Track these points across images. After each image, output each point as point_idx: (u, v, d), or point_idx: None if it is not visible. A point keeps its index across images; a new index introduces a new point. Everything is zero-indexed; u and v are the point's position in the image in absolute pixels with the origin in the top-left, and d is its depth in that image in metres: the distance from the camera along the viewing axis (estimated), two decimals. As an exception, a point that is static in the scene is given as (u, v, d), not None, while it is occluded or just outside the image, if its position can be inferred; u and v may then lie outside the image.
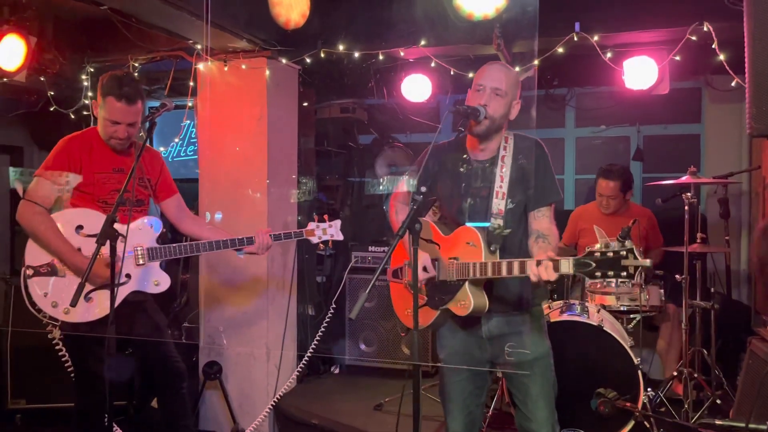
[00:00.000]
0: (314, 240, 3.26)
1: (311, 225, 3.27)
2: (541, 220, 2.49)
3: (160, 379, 3.31)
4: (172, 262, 3.50)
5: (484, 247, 2.39)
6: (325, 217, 3.30)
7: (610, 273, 2.10)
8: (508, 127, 2.59)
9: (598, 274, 2.12)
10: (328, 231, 3.28)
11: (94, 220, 2.99)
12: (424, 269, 2.48)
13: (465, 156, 2.60)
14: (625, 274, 2.09)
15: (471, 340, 2.57)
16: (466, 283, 2.40)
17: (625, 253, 2.08)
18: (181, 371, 3.31)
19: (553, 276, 2.17)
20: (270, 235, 3.19)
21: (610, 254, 2.10)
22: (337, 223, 3.30)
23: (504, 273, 2.30)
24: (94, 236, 2.92)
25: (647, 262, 2.09)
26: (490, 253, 2.40)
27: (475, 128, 2.49)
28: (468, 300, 2.39)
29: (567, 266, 2.16)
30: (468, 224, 2.48)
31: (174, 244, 3.10)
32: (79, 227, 2.99)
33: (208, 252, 3.19)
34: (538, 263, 2.19)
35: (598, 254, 2.12)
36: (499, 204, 2.47)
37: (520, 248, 2.50)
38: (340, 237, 3.30)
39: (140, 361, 3.44)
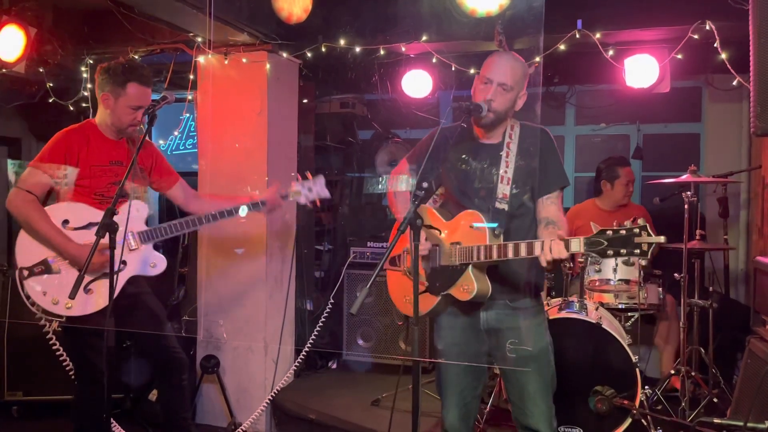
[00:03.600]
0: (302, 200, 3.24)
1: (296, 186, 3.23)
2: (550, 207, 2.49)
3: (162, 370, 3.31)
4: (169, 256, 3.48)
5: (488, 231, 2.37)
6: (308, 174, 3.26)
7: (623, 251, 2.05)
8: (514, 116, 2.59)
9: (610, 252, 2.07)
10: (313, 189, 3.24)
11: (79, 213, 2.98)
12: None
13: (472, 140, 2.59)
14: (638, 251, 2.03)
15: (469, 331, 2.57)
16: (470, 267, 2.38)
17: (638, 230, 2.04)
18: (182, 362, 3.31)
19: (564, 254, 2.14)
20: (259, 202, 3.17)
21: (623, 232, 2.06)
22: (321, 178, 3.25)
23: (510, 255, 2.27)
24: (79, 229, 2.94)
25: (662, 238, 2.03)
26: (495, 237, 2.38)
27: (480, 122, 2.50)
28: (472, 284, 2.37)
29: (578, 245, 2.13)
30: (475, 225, 2.46)
31: (163, 224, 3.09)
32: (65, 222, 2.97)
33: (203, 226, 3.19)
34: (550, 244, 2.16)
35: (610, 232, 2.08)
36: (503, 189, 2.47)
37: (525, 234, 2.49)
38: (326, 193, 3.26)
39: (141, 352, 3.43)
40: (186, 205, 3.34)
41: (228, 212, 3.13)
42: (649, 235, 2.03)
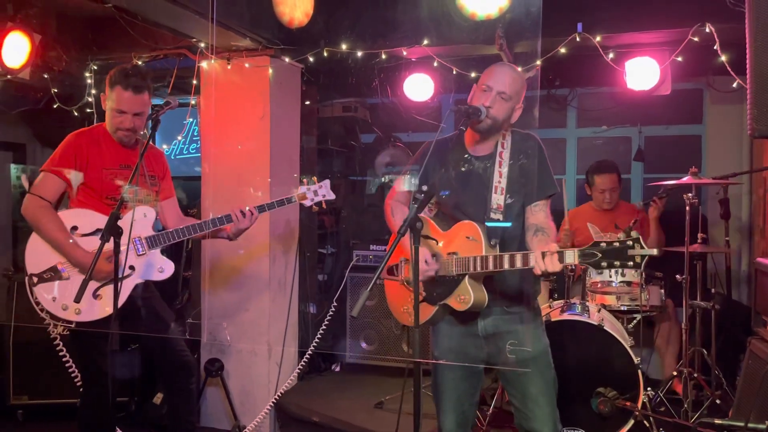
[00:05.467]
0: (307, 203, 3.25)
1: (302, 188, 3.25)
2: (538, 214, 2.50)
3: (170, 373, 3.32)
4: (173, 260, 3.50)
5: (484, 242, 2.39)
6: (314, 179, 3.29)
7: (616, 263, 2.08)
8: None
9: (604, 264, 2.10)
10: (319, 192, 3.26)
11: (88, 219, 3.00)
12: (425, 262, 2.45)
13: (464, 152, 2.61)
14: (631, 264, 2.07)
15: (467, 338, 2.57)
16: (466, 278, 2.40)
17: (631, 243, 2.07)
18: (191, 364, 3.32)
19: (558, 267, 2.15)
20: (263, 205, 3.18)
21: (616, 244, 2.08)
22: (326, 182, 3.28)
23: (506, 266, 2.30)
24: (88, 235, 2.96)
25: (654, 251, 2.06)
26: (491, 248, 2.40)
27: (477, 126, 2.51)
28: (468, 294, 2.39)
29: (572, 257, 2.15)
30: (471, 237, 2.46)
31: (171, 230, 3.11)
32: (74, 228, 2.99)
33: (202, 238, 3.22)
34: (543, 255, 2.17)
35: (603, 244, 2.10)
36: (498, 199, 2.49)
37: (520, 243, 2.50)
38: (332, 196, 3.28)
39: (149, 356, 3.45)
40: (172, 223, 3.30)
41: (220, 220, 3.15)
42: (642, 247, 2.06)
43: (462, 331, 2.57)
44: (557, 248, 2.19)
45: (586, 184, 4.62)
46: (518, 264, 2.27)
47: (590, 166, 4.60)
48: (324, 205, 3.31)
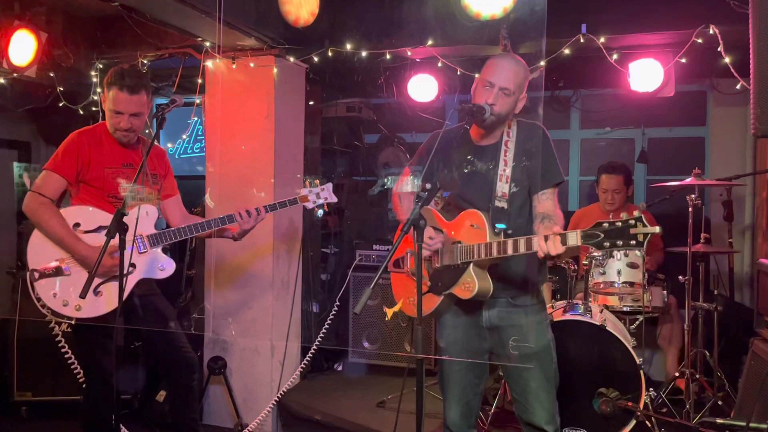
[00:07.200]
0: (309, 205, 3.27)
1: (304, 190, 3.27)
2: (546, 203, 2.51)
3: (172, 370, 3.33)
4: (177, 258, 3.52)
5: (488, 229, 2.40)
6: (317, 181, 3.30)
7: (619, 242, 2.07)
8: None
9: (607, 244, 2.08)
10: (321, 195, 3.28)
11: (90, 216, 3.02)
12: (429, 237, 2.45)
13: (469, 143, 2.62)
14: (634, 242, 2.05)
15: (471, 329, 2.60)
16: (471, 266, 2.41)
17: (633, 221, 2.06)
18: (192, 361, 3.33)
19: (561, 249, 2.16)
20: (264, 206, 3.19)
21: (619, 224, 2.07)
22: (329, 185, 3.29)
23: (510, 251, 2.30)
24: (90, 232, 2.98)
25: (656, 228, 2.03)
26: (495, 235, 2.41)
27: (481, 123, 2.52)
28: (473, 282, 2.40)
29: (575, 238, 2.14)
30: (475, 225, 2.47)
31: (172, 228, 3.13)
32: (76, 225, 3.01)
33: (207, 237, 3.24)
34: (546, 238, 2.18)
35: (606, 224, 2.10)
36: (503, 187, 2.50)
37: (525, 231, 2.50)
38: (334, 199, 3.30)
39: (151, 353, 3.45)
40: (176, 222, 3.32)
41: (227, 219, 3.16)
42: (644, 225, 2.04)
43: (466, 322, 2.60)
44: (560, 230, 2.20)
45: (595, 183, 4.62)
46: (522, 249, 2.26)
47: (601, 164, 4.61)
48: (326, 208, 3.33)
